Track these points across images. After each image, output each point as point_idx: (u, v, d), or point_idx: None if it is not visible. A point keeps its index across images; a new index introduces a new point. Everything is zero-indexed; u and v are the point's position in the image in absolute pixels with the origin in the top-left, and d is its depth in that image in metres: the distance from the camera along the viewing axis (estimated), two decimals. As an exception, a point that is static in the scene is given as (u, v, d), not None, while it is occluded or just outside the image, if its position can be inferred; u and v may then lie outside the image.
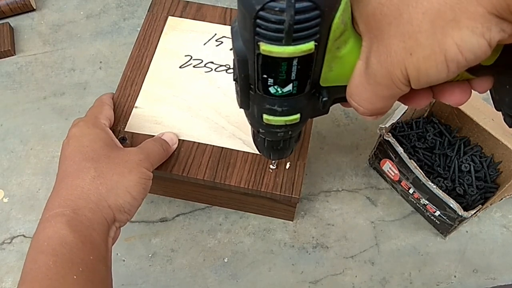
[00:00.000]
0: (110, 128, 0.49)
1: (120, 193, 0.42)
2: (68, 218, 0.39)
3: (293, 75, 0.29)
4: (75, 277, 0.37)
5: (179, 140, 0.51)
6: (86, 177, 0.42)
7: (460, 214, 0.50)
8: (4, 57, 0.70)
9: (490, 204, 0.51)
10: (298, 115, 0.34)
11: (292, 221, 0.58)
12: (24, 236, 0.58)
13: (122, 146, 0.47)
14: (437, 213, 0.54)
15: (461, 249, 0.57)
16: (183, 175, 0.49)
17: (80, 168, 0.42)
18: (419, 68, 0.26)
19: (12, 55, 0.70)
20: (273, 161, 0.50)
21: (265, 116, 0.34)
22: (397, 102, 0.36)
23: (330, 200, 0.60)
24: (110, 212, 0.41)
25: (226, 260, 0.56)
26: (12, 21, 0.73)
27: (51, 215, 0.40)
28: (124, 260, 0.56)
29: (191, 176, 0.49)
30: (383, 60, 0.27)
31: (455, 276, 0.55)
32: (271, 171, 0.50)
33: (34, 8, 0.74)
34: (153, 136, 0.51)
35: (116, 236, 0.44)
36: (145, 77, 0.55)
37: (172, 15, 0.60)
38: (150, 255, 0.57)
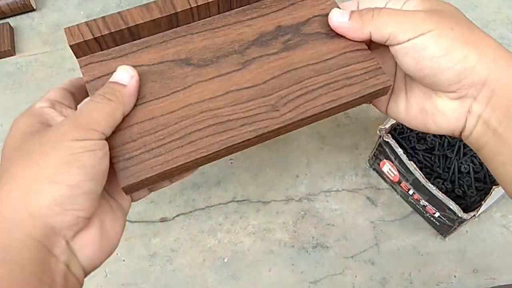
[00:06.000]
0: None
1: (42, 189, 0.28)
2: None
3: None
4: None
5: None
6: None
7: (459, 215, 0.50)
8: (4, 57, 0.70)
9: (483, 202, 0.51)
10: None
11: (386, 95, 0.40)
12: (25, 236, 0.58)
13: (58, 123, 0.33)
14: (437, 214, 0.54)
15: (461, 249, 0.57)
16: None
17: None
18: None
19: (12, 55, 0.71)
20: None
21: None
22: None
23: (330, 200, 0.60)
24: (35, 224, 0.28)
25: (226, 260, 0.56)
26: (12, 21, 0.73)
27: None
28: (124, 260, 0.56)
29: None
30: None
31: (455, 276, 0.55)
32: None
33: (34, 8, 0.74)
34: None
35: (80, 249, 0.30)
36: None
37: None
38: (150, 255, 0.57)
